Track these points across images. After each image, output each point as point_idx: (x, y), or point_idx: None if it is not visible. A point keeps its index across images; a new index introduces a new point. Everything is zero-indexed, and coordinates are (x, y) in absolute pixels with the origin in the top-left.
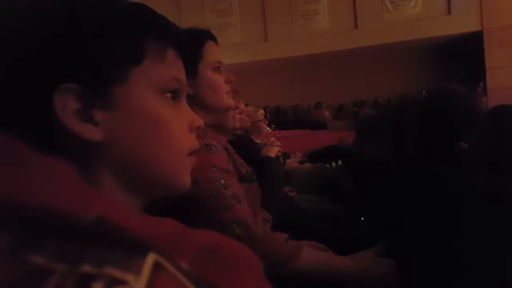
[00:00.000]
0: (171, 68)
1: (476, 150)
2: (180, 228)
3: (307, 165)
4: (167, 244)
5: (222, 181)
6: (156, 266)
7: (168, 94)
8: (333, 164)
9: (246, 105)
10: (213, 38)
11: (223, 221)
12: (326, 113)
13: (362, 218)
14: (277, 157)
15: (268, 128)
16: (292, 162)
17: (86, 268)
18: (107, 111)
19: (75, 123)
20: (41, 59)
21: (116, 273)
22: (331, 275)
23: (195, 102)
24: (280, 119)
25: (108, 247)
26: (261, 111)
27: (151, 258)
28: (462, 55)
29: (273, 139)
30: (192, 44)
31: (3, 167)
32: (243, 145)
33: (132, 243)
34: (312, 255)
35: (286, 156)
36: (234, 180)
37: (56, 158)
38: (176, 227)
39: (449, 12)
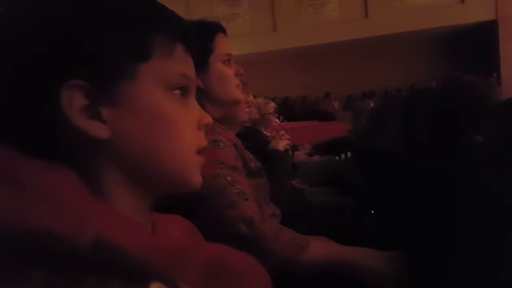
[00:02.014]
0: (180, 64)
1: (488, 142)
2: (187, 239)
3: (316, 157)
4: (172, 261)
5: (228, 178)
6: None
7: (177, 91)
8: (342, 156)
9: (255, 97)
10: (223, 30)
11: (229, 219)
12: (335, 104)
13: (372, 211)
14: (286, 150)
15: (276, 119)
16: (300, 154)
17: None
18: (114, 108)
19: (82, 120)
20: (47, 56)
21: None
22: (337, 265)
23: (205, 95)
24: (288, 110)
25: (104, 277)
26: (272, 104)
27: None
28: (476, 45)
29: (282, 132)
30: (203, 37)
31: None
32: (251, 138)
33: (132, 269)
34: (318, 249)
35: (294, 148)
36: (241, 177)
37: (56, 164)
38: (192, 238)
39: (462, 1)
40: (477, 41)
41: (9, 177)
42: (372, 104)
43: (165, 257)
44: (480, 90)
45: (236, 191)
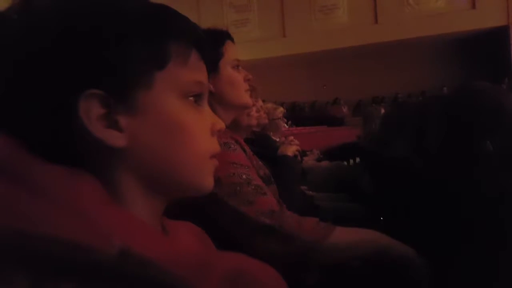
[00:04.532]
0: (195, 71)
1: (500, 151)
2: (206, 248)
3: (325, 162)
4: (193, 270)
5: (244, 176)
6: None
7: (191, 98)
8: (351, 161)
9: (263, 101)
10: (231, 38)
11: (249, 216)
12: (344, 109)
13: (381, 218)
14: (295, 156)
15: (284, 124)
16: (309, 160)
17: None
18: (131, 116)
19: (100, 129)
20: (65, 65)
21: None
22: (367, 245)
23: (216, 99)
24: (297, 115)
25: (132, 287)
26: (281, 109)
27: None
28: (487, 51)
29: (291, 137)
30: (213, 44)
31: (19, 194)
32: (260, 143)
33: (158, 280)
34: (345, 231)
35: (303, 153)
36: (255, 174)
37: (77, 170)
38: (204, 246)
39: (473, 6)
40: (488, 47)
41: (31, 182)
42: (382, 110)
43: (187, 267)
44: (493, 97)
45: (253, 187)
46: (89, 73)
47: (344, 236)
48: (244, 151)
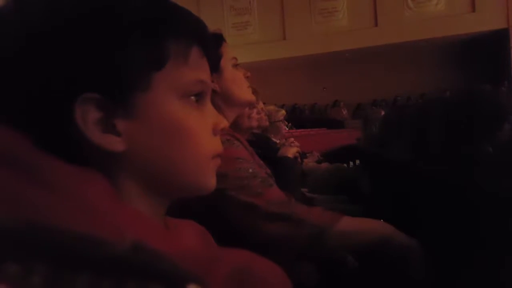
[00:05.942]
0: (196, 69)
1: (499, 153)
2: (212, 246)
3: (324, 165)
4: (200, 265)
5: (250, 170)
6: None
7: (192, 97)
8: (351, 163)
9: (264, 104)
10: (224, 40)
11: (259, 207)
12: (344, 112)
13: (381, 220)
14: (295, 158)
15: (285, 127)
16: (309, 162)
17: None
18: (129, 120)
19: (96, 134)
20: (59, 68)
21: None
22: (371, 234)
23: (221, 98)
24: (297, 117)
25: (146, 281)
26: (282, 112)
27: None
28: (486, 54)
29: (291, 139)
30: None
31: (34, 188)
32: (261, 144)
33: (170, 272)
34: (350, 220)
35: (303, 155)
36: (259, 168)
37: (85, 168)
38: (207, 244)
39: (473, 9)
40: (488, 50)
41: (42, 177)
42: (382, 112)
43: (190, 263)
44: (493, 101)
45: (260, 180)
46: (83, 76)
47: (351, 223)
48: (246, 149)
